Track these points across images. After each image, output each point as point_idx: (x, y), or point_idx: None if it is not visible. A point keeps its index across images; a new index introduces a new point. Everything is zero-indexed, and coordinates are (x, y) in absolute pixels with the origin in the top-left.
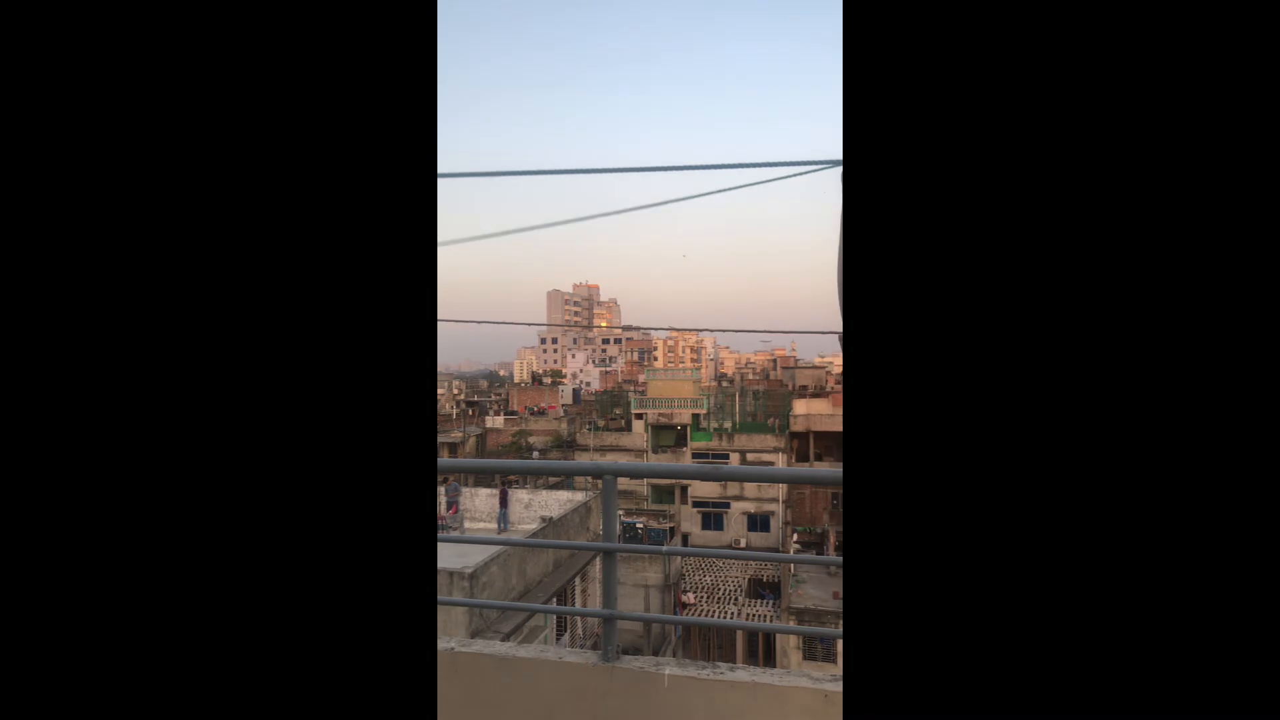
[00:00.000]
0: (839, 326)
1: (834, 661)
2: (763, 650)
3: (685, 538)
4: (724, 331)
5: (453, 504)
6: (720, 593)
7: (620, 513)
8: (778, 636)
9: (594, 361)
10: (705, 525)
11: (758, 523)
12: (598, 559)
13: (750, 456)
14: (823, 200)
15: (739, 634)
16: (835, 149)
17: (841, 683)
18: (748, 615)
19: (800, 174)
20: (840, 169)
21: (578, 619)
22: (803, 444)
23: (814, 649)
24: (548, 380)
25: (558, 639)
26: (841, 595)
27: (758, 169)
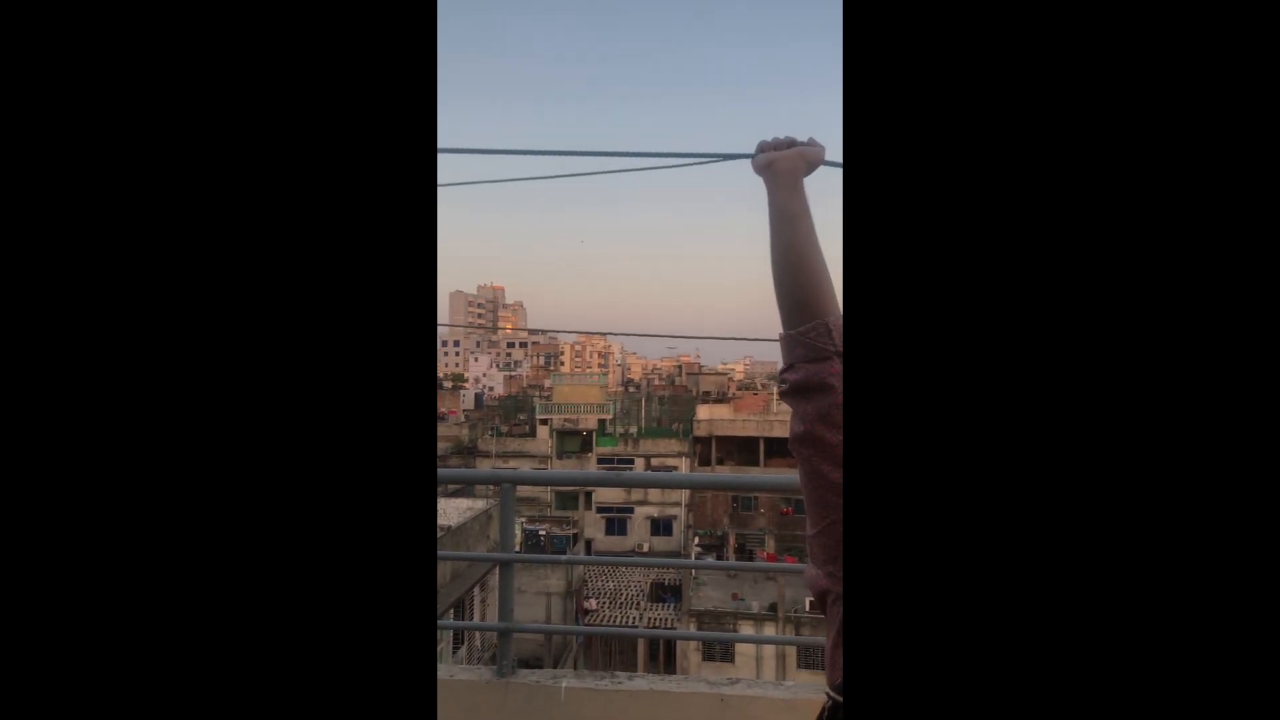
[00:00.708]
0: (743, 333)
1: (732, 661)
2: (664, 653)
3: (589, 544)
4: (630, 336)
5: None
6: (623, 597)
7: (522, 520)
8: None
9: (498, 365)
10: (609, 531)
11: (660, 527)
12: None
13: (655, 461)
14: (728, 209)
15: (640, 637)
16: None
17: (736, 685)
18: (649, 619)
19: (704, 163)
20: (746, 161)
21: (476, 632)
22: (705, 448)
23: (713, 651)
24: (449, 384)
25: (454, 654)
26: (740, 596)
27: (661, 158)
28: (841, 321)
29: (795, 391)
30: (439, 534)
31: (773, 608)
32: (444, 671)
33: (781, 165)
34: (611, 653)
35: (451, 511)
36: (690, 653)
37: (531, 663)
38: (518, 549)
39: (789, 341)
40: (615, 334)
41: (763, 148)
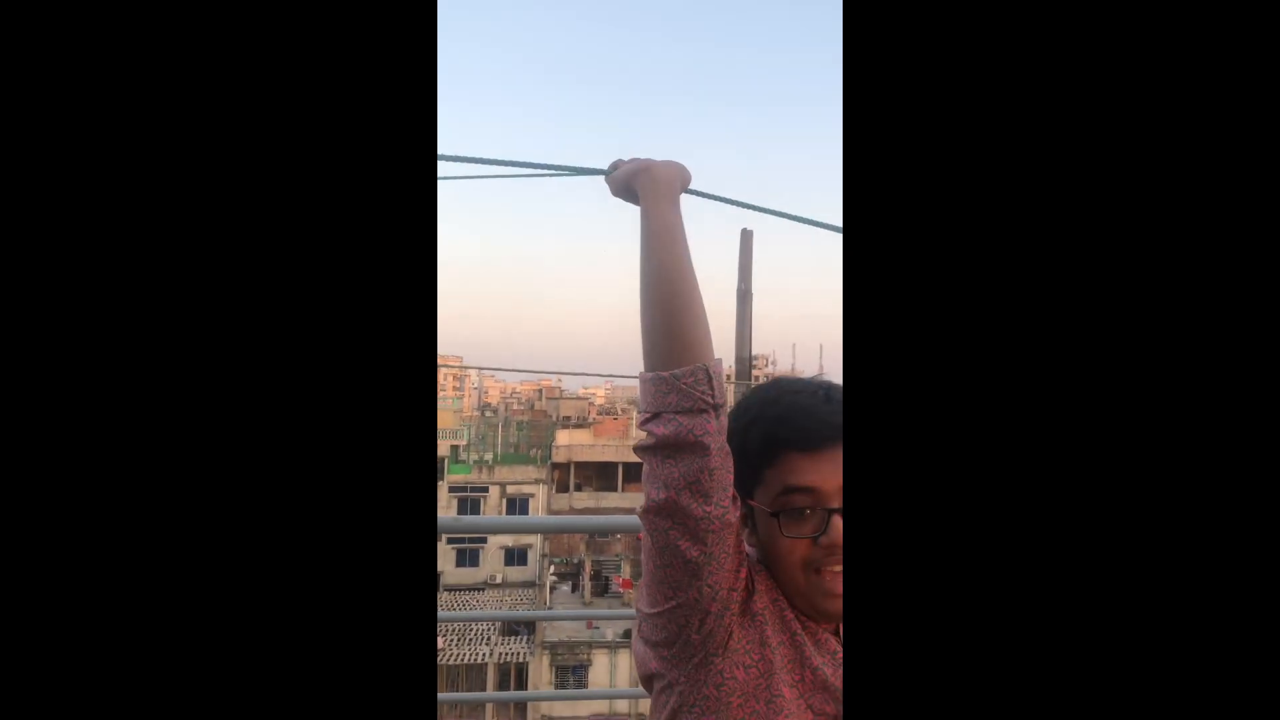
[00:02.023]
0: (605, 356)
1: (584, 687)
2: (515, 683)
3: (439, 576)
4: (496, 369)
5: None
6: (473, 632)
7: None
8: (529, 669)
9: None
10: (460, 562)
11: (515, 556)
12: None
13: (511, 489)
14: (589, 221)
15: (490, 668)
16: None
17: None
18: (501, 654)
19: (559, 175)
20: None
21: None
22: (564, 474)
23: (565, 681)
24: None
25: None
26: (595, 625)
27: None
28: (721, 369)
29: (661, 448)
30: None
31: (626, 634)
32: None
33: (660, 172)
34: (458, 687)
35: None
36: (543, 685)
37: None
38: None
39: (659, 385)
40: (478, 367)
41: (617, 165)
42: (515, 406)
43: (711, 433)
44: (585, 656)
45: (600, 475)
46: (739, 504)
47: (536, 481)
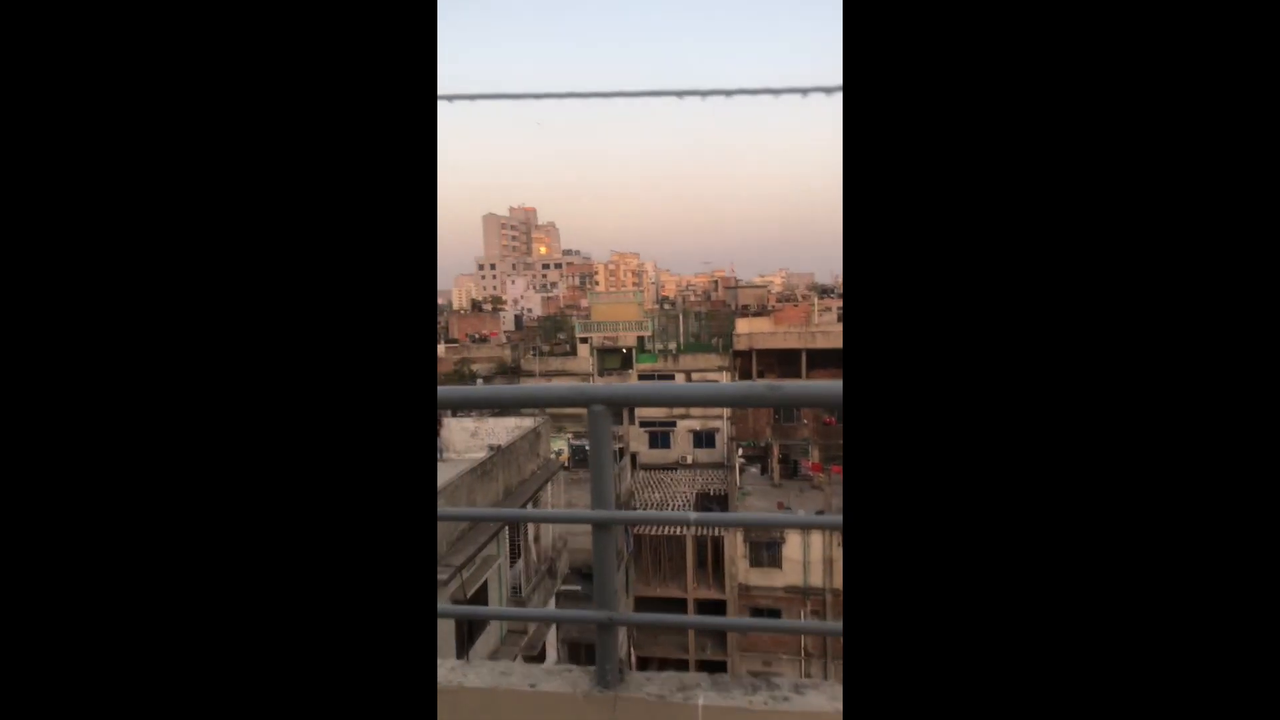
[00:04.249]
0: (781, 244)
1: (779, 568)
2: (711, 561)
3: (634, 457)
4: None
5: None
6: (668, 509)
7: (569, 436)
8: (725, 546)
9: (534, 287)
10: (653, 444)
11: (703, 439)
12: (549, 485)
13: (695, 376)
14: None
15: (688, 540)
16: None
17: None
18: (697, 531)
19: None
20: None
21: (531, 545)
22: (745, 362)
23: (760, 558)
24: (488, 306)
25: (510, 566)
26: (786, 505)
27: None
28: None
29: None
30: (489, 453)
31: (818, 514)
32: (523, 678)
33: None
34: (661, 560)
35: (500, 430)
36: (738, 559)
37: (585, 571)
38: (565, 464)
39: None
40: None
41: None
42: (692, 298)
43: None
44: (779, 534)
45: (782, 362)
46: None
47: (720, 369)
